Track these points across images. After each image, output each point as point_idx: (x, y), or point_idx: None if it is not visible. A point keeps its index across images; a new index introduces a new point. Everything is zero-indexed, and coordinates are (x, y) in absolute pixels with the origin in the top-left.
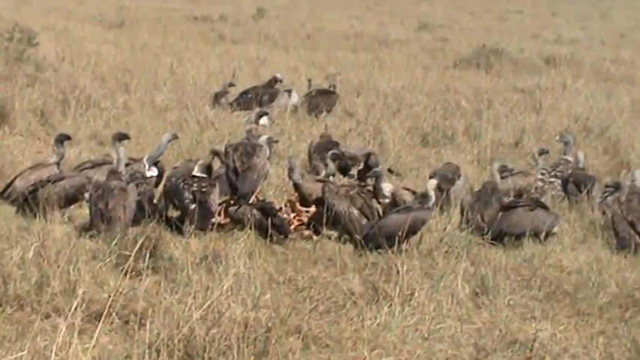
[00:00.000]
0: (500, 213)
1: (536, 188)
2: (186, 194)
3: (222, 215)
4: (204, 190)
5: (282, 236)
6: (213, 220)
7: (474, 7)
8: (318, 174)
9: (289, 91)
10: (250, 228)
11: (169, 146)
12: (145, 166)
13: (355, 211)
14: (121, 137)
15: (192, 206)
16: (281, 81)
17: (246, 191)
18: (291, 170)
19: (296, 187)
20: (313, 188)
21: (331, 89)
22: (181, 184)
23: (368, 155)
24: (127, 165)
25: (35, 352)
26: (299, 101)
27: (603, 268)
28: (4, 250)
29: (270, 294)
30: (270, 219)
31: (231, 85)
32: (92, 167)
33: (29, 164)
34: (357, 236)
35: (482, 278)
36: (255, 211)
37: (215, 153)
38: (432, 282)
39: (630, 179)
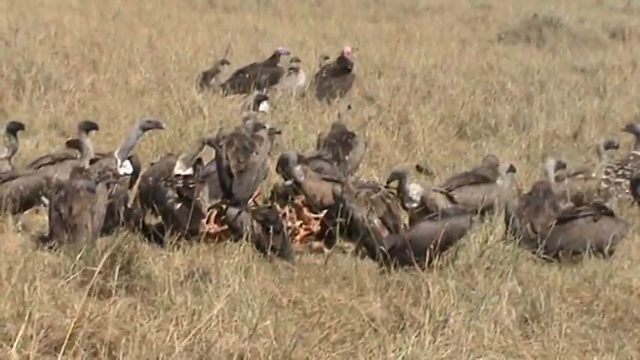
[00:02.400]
0: (555, 225)
1: (599, 190)
2: (170, 192)
3: (213, 222)
4: (191, 186)
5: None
6: (204, 220)
7: None
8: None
9: (296, 71)
10: (247, 239)
11: (147, 137)
12: (116, 161)
13: (376, 221)
14: (89, 127)
15: (178, 206)
16: (288, 53)
17: (243, 197)
18: (288, 165)
19: (297, 186)
20: (318, 188)
21: (348, 67)
22: (162, 182)
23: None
24: (94, 161)
25: None
26: (307, 83)
27: None
28: None
29: (271, 320)
30: (271, 236)
31: (223, 62)
32: (52, 163)
33: None
34: (381, 248)
35: (532, 301)
36: (255, 223)
37: (206, 143)
38: (470, 305)
39: None
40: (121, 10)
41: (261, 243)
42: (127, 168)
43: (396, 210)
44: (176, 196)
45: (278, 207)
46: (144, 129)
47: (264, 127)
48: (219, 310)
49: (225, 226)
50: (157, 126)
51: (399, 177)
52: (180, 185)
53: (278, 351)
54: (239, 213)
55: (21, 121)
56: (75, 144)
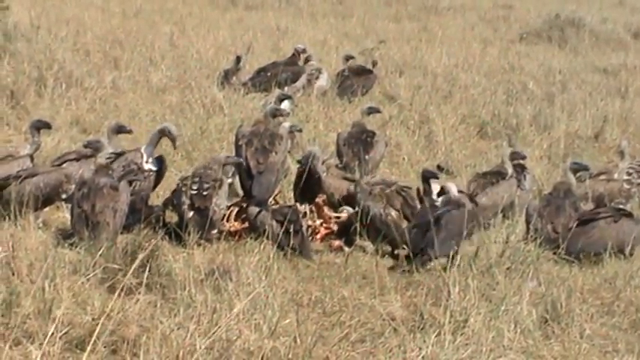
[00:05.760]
0: (576, 227)
1: (620, 192)
2: (184, 198)
3: (233, 221)
4: (205, 193)
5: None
6: (215, 232)
7: None
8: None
9: (318, 71)
10: (267, 238)
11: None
12: (142, 155)
13: (393, 213)
14: (120, 130)
15: (190, 214)
16: (304, 51)
17: (262, 198)
18: (312, 159)
19: (317, 181)
20: (337, 187)
21: (369, 67)
22: (179, 184)
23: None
24: (120, 154)
25: None
26: (328, 83)
27: None
28: None
29: (292, 318)
30: (291, 235)
31: (238, 59)
32: (77, 160)
33: None
34: (402, 245)
35: (552, 302)
36: (274, 223)
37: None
38: (490, 306)
39: None
40: (142, 7)
41: (281, 242)
42: (152, 165)
43: (412, 201)
44: (189, 202)
45: (298, 206)
46: (162, 133)
47: (299, 130)
48: (240, 309)
49: (246, 224)
50: (173, 140)
51: (428, 177)
52: (195, 192)
53: (298, 349)
54: (259, 212)
55: (46, 120)
56: (93, 145)
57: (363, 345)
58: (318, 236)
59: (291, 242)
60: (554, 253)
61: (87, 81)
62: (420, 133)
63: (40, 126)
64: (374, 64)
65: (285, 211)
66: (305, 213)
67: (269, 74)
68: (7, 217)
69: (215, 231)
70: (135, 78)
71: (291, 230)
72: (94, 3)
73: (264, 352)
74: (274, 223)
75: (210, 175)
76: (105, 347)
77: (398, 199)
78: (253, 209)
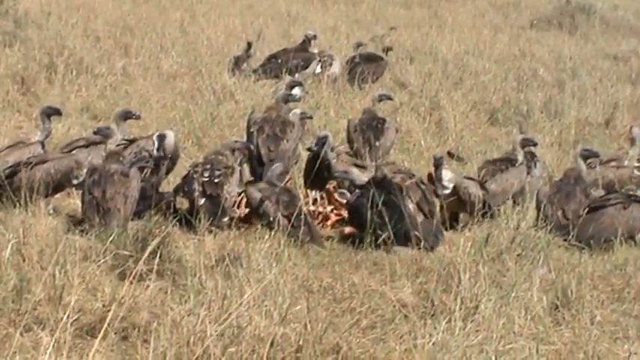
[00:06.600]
0: (586, 214)
1: (631, 178)
2: (195, 185)
3: (244, 207)
4: (217, 180)
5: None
6: (226, 219)
7: None
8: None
9: (331, 57)
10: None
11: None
12: (153, 143)
13: (411, 206)
14: (127, 116)
15: (201, 201)
16: (314, 37)
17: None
18: (322, 145)
19: (328, 168)
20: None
21: (380, 54)
22: (192, 170)
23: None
24: (132, 141)
25: None
26: (340, 70)
27: None
28: None
29: (302, 305)
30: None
31: (250, 45)
32: (86, 146)
33: (7, 142)
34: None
35: (563, 288)
36: (280, 216)
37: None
38: (501, 292)
39: None
40: None
41: (291, 235)
42: (162, 152)
43: (430, 196)
44: (201, 189)
45: (307, 191)
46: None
47: (310, 116)
48: (250, 295)
49: None
50: (164, 150)
51: (437, 163)
52: (206, 179)
53: (309, 336)
54: (261, 201)
55: (57, 106)
56: (103, 132)
57: (373, 331)
58: (329, 222)
59: (299, 235)
60: (565, 240)
61: (97, 67)
62: (430, 119)
63: (51, 112)
64: (387, 50)
65: (285, 200)
66: (315, 200)
67: (280, 61)
68: (17, 204)
69: (226, 218)
70: (145, 65)
71: (297, 224)
72: None
73: (275, 338)
74: (280, 216)
75: (222, 162)
76: (116, 334)
77: (417, 192)
78: (254, 193)
